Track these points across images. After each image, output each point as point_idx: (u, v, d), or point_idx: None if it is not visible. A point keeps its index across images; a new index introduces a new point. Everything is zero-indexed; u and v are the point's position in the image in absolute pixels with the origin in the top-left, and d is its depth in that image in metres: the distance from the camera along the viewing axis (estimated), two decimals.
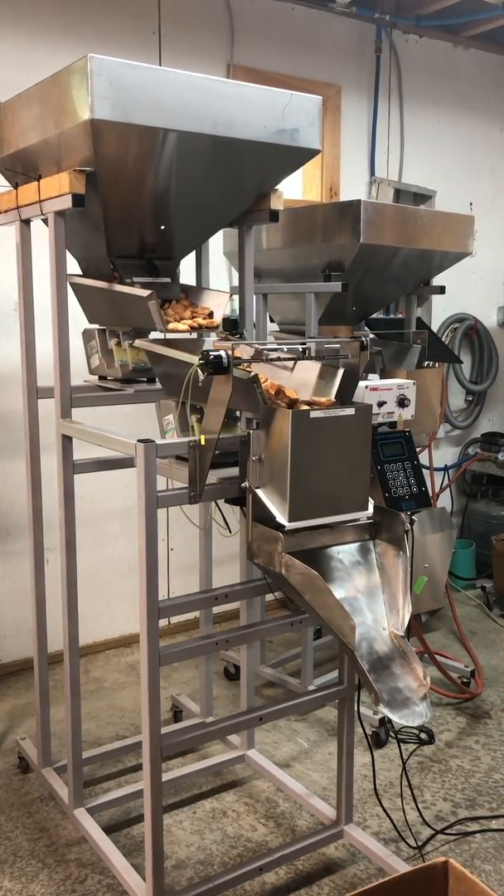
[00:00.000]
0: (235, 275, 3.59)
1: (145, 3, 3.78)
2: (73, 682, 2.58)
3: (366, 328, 3.67)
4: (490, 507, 5.06)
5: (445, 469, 5.15)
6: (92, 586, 3.81)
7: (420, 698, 1.92)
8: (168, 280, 2.55)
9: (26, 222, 2.60)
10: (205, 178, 2.37)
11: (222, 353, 1.88)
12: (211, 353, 1.87)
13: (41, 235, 2.52)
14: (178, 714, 3.34)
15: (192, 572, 3.23)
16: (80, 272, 2.65)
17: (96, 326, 2.69)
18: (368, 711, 3.14)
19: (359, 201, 3.06)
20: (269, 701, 3.35)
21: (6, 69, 3.41)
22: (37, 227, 2.63)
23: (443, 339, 4.96)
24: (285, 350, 2.24)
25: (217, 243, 3.55)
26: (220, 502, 2.27)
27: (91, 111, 2.00)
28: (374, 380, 3.06)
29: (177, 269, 2.63)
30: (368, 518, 2.11)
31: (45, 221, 2.42)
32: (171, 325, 2.38)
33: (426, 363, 3.66)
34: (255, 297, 3.15)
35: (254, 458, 2.01)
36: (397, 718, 1.88)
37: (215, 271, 3.14)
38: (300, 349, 2.17)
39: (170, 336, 2.44)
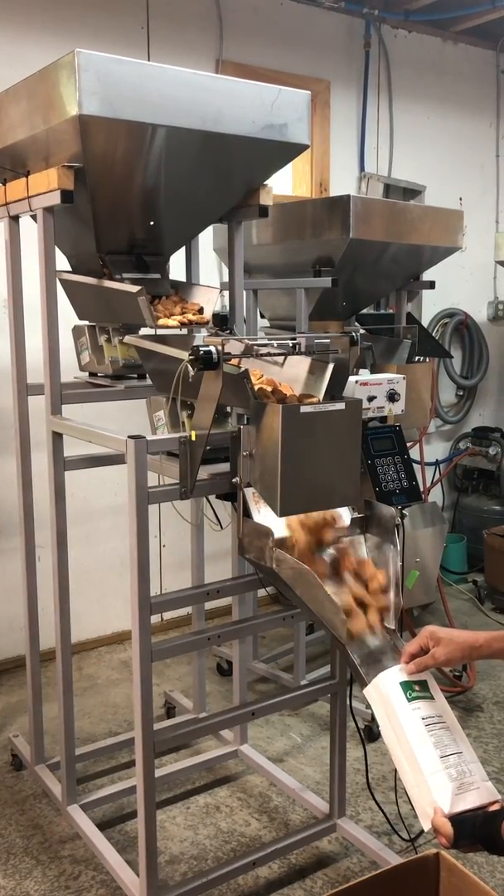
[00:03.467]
0: (225, 270, 3.59)
1: None
2: (66, 679, 2.58)
3: (356, 323, 3.67)
4: (481, 502, 5.07)
5: (436, 464, 5.17)
6: (84, 583, 3.80)
7: None
8: (158, 276, 2.55)
9: (15, 218, 2.59)
10: (194, 173, 2.37)
11: (212, 348, 1.88)
12: (201, 348, 1.87)
13: (30, 232, 2.51)
14: (171, 710, 3.35)
15: (185, 568, 3.24)
16: (69, 268, 2.65)
17: (86, 323, 2.69)
18: (361, 706, 3.15)
19: (348, 196, 3.06)
20: (262, 696, 3.36)
21: None
22: (25, 223, 2.62)
23: (433, 334, 4.97)
24: (275, 345, 2.24)
25: (207, 239, 3.55)
26: (212, 498, 2.27)
27: (79, 107, 1.99)
28: (364, 375, 3.07)
29: (166, 264, 2.62)
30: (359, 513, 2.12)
31: (34, 218, 2.41)
32: (161, 321, 2.37)
33: (416, 358, 3.66)
34: (245, 292, 3.15)
35: (244, 453, 2.01)
36: None
37: (205, 267, 3.13)
38: (290, 344, 2.17)
39: (160, 332, 2.44)
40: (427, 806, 1.50)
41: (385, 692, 1.62)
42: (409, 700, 1.60)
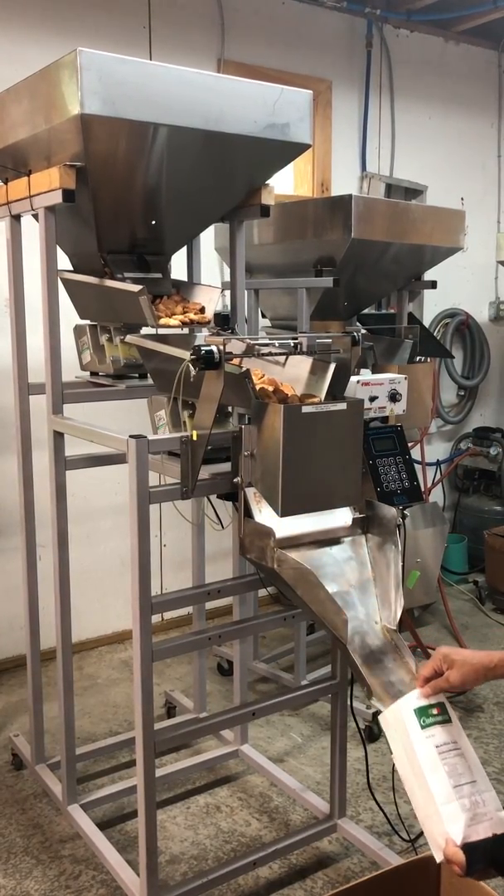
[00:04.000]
0: (227, 270, 3.59)
1: None
2: (67, 678, 2.57)
3: (357, 323, 3.67)
4: (482, 502, 5.07)
5: (437, 464, 5.17)
6: (84, 583, 3.80)
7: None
8: (159, 275, 2.54)
9: (16, 218, 2.59)
10: (195, 172, 2.36)
11: (214, 348, 1.88)
12: (202, 348, 1.87)
13: (32, 231, 2.51)
14: (171, 710, 3.35)
15: (185, 568, 3.24)
16: (70, 268, 2.65)
17: (87, 322, 2.69)
18: (361, 706, 3.15)
19: (350, 196, 3.06)
20: (263, 696, 3.36)
21: None
22: (27, 222, 2.62)
23: (434, 335, 4.97)
24: (277, 345, 2.24)
25: (208, 238, 3.54)
26: (213, 498, 2.27)
27: (81, 106, 1.99)
28: (365, 375, 3.06)
29: (168, 264, 2.62)
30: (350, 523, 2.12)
31: (36, 217, 2.41)
32: (162, 321, 2.37)
33: (418, 358, 3.66)
34: (246, 292, 3.15)
35: (246, 453, 2.01)
36: None
37: (207, 267, 3.13)
38: (292, 344, 2.17)
39: (161, 331, 2.44)
40: (439, 837, 1.48)
41: (400, 719, 1.59)
42: (424, 727, 1.57)
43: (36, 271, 2.41)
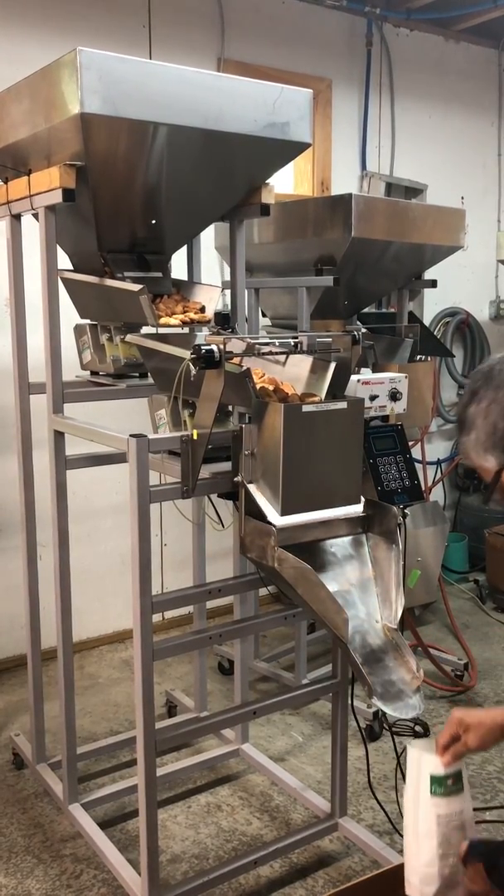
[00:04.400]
0: (227, 269, 3.59)
1: None
2: (67, 677, 2.58)
3: (358, 322, 3.67)
4: (482, 501, 5.06)
5: (438, 463, 5.16)
6: (85, 582, 3.80)
7: (413, 691, 1.92)
8: (159, 275, 2.55)
9: (17, 217, 2.59)
10: (195, 172, 2.36)
11: (214, 347, 1.88)
12: (203, 347, 1.87)
13: (32, 230, 2.51)
14: (172, 709, 3.35)
15: (186, 567, 3.24)
16: (71, 267, 2.65)
17: (88, 321, 2.68)
18: (362, 705, 3.15)
19: (350, 195, 3.06)
20: (263, 695, 3.36)
21: None
22: (27, 222, 2.62)
23: (435, 334, 4.96)
24: (277, 344, 2.24)
25: (208, 238, 3.54)
26: (213, 497, 2.27)
27: (81, 105, 1.99)
28: (365, 374, 3.07)
29: (168, 263, 2.62)
30: (361, 512, 2.12)
31: (36, 216, 2.41)
32: (162, 320, 2.37)
33: (418, 357, 3.66)
34: (246, 291, 3.15)
35: (246, 452, 2.01)
36: (391, 711, 1.89)
37: (207, 266, 3.13)
38: (292, 343, 2.17)
39: (161, 331, 2.44)
40: (412, 885, 1.64)
41: (418, 769, 1.67)
42: (433, 794, 1.63)
43: (36, 271, 2.41)
